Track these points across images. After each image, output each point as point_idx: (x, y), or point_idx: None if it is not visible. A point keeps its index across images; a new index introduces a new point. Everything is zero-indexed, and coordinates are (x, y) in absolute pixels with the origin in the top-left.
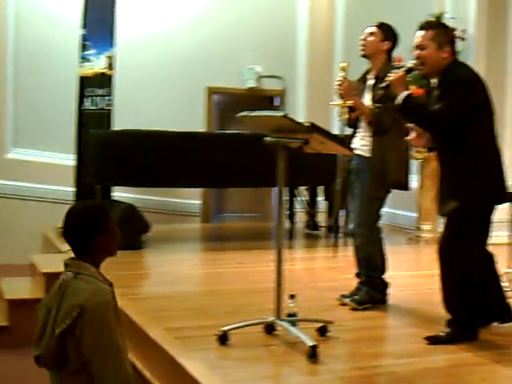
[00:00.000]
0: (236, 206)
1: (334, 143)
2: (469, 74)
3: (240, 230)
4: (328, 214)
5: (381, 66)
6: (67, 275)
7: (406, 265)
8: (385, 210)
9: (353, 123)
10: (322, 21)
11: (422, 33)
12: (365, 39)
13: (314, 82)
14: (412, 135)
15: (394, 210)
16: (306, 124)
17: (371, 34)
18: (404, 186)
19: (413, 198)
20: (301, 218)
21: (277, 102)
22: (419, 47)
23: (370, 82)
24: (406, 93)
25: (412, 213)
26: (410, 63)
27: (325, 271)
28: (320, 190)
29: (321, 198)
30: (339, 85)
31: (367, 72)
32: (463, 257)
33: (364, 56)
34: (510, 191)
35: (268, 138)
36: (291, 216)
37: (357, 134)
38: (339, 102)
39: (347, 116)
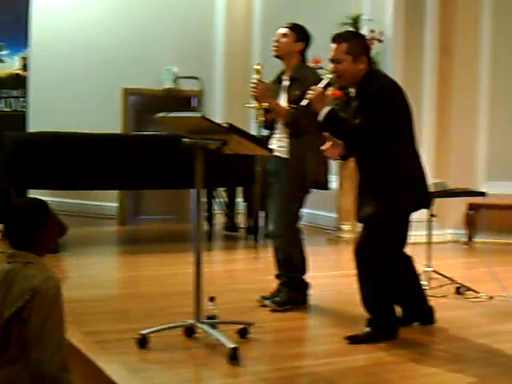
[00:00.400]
0: (153, 209)
1: (253, 144)
2: (388, 85)
3: (157, 233)
4: (247, 216)
5: (295, 66)
6: (15, 265)
7: (327, 265)
8: (305, 210)
9: (269, 125)
10: (239, 21)
11: (335, 46)
12: (277, 40)
13: (232, 82)
14: (327, 145)
15: (313, 210)
16: (224, 125)
17: (283, 35)
18: (323, 185)
19: (332, 199)
20: (220, 219)
21: (194, 102)
22: (335, 61)
23: (285, 83)
24: (326, 109)
25: (332, 213)
26: (328, 77)
27: (244, 273)
28: (239, 191)
29: (240, 200)
30: (254, 87)
31: (282, 73)
32: (378, 260)
33: (277, 57)
34: (432, 192)
35: (186, 139)
36: (210, 218)
37: (274, 136)
38: (254, 104)
39: (263, 118)
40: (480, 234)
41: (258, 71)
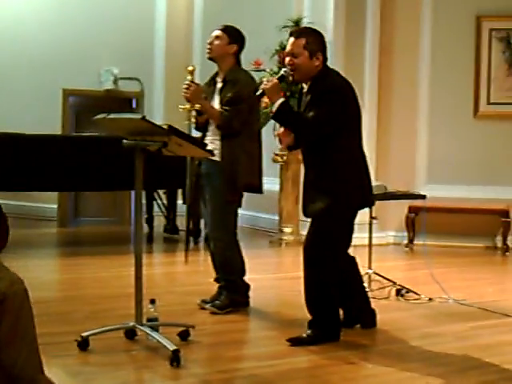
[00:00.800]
0: (93, 210)
1: (193, 146)
2: (340, 82)
3: (98, 235)
4: (187, 218)
5: (228, 69)
6: None
7: (268, 268)
8: (246, 212)
9: (202, 126)
10: (179, 23)
11: (292, 40)
12: (211, 43)
13: (172, 84)
14: (280, 130)
15: (255, 213)
16: (164, 126)
17: (217, 37)
18: (257, 188)
19: (274, 201)
20: (160, 221)
21: (134, 104)
22: (291, 54)
23: (219, 85)
24: (280, 100)
25: (273, 216)
26: (283, 71)
27: (185, 275)
28: (180, 193)
29: (180, 202)
30: (186, 88)
31: (216, 75)
32: (326, 258)
33: (211, 59)
34: (373, 194)
35: (126, 141)
36: (150, 220)
37: (206, 138)
38: (187, 105)
39: (194, 120)
40: (420, 236)
41: (190, 72)
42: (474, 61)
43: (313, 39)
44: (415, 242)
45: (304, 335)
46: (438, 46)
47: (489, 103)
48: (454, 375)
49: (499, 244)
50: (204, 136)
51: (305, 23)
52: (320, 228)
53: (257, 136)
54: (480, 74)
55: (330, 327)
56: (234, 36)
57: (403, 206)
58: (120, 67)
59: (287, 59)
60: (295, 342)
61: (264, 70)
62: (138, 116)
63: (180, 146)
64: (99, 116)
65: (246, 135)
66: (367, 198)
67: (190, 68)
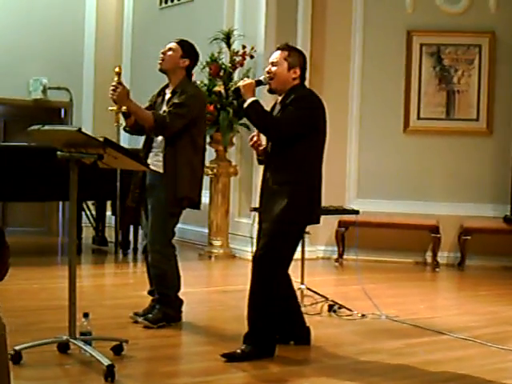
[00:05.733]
0: (21, 220)
1: (129, 159)
2: (311, 95)
3: (24, 245)
4: (116, 229)
5: (178, 82)
6: None
7: (199, 281)
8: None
9: (134, 129)
10: (109, 33)
11: (278, 52)
12: (164, 53)
13: (102, 93)
14: (255, 135)
15: (184, 225)
16: (100, 139)
17: (170, 49)
18: (196, 204)
19: (204, 214)
20: (88, 233)
21: (63, 114)
22: (273, 64)
23: (167, 96)
24: (252, 98)
25: (203, 228)
26: (262, 77)
27: (115, 288)
28: (108, 204)
29: (109, 213)
30: (113, 90)
31: (165, 87)
32: (276, 268)
33: (161, 71)
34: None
35: (61, 153)
36: (78, 231)
37: (152, 150)
38: (115, 107)
39: (121, 122)
40: (351, 251)
41: (117, 74)
42: (404, 76)
43: (295, 54)
44: (345, 257)
45: (238, 351)
46: (368, 60)
47: (419, 118)
48: None
49: (429, 259)
50: (150, 148)
51: (235, 35)
52: (269, 241)
53: (201, 150)
54: (410, 88)
55: (265, 343)
56: (187, 50)
57: (333, 220)
58: (49, 77)
59: (268, 67)
60: (229, 357)
61: (195, 82)
62: (74, 128)
63: (115, 158)
64: (33, 127)
65: (191, 148)
66: (317, 215)
67: (117, 69)
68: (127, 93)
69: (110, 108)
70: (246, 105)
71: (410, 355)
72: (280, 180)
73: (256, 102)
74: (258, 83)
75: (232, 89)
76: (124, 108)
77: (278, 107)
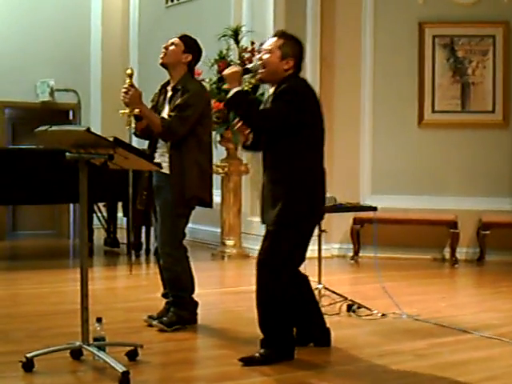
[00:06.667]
0: (31, 223)
1: (140, 159)
2: (303, 86)
3: (35, 248)
4: (127, 231)
5: (180, 78)
6: None
7: (212, 282)
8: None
9: (144, 133)
10: (115, 34)
11: (273, 39)
12: (166, 48)
13: (109, 94)
14: (237, 123)
15: (196, 225)
16: (110, 139)
17: (173, 43)
18: (207, 202)
19: (216, 213)
20: (100, 234)
21: (71, 116)
22: (266, 51)
23: (169, 94)
24: (237, 88)
25: (214, 228)
26: (251, 64)
27: (128, 291)
28: (119, 205)
29: (120, 214)
30: (125, 92)
31: (166, 84)
32: (280, 273)
33: (162, 65)
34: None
35: (70, 154)
36: (90, 233)
37: (157, 151)
38: (126, 110)
39: (134, 125)
40: (366, 248)
41: (129, 76)
42: (417, 68)
43: (290, 43)
44: (360, 254)
45: (256, 354)
46: (380, 54)
47: (433, 111)
48: None
49: (447, 256)
50: (155, 148)
51: (244, 32)
52: (273, 242)
53: (207, 148)
54: (424, 81)
55: (283, 346)
56: (190, 46)
57: (347, 217)
58: (56, 79)
59: (260, 54)
60: (247, 361)
61: (203, 80)
62: (83, 128)
63: (126, 158)
64: (40, 128)
65: (196, 147)
66: (318, 210)
67: (129, 71)
68: (140, 95)
69: (121, 111)
70: (229, 95)
71: (435, 356)
72: (274, 178)
73: (241, 93)
74: (246, 71)
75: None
76: (137, 111)
77: (269, 99)
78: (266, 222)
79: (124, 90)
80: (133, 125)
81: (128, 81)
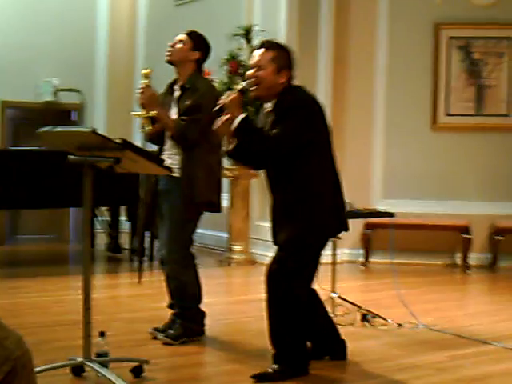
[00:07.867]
0: (31, 227)
1: (149, 162)
2: (306, 97)
3: (36, 254)
4: (131, 236)
5: (188, 76)
6: None
7: (220, 290)
8: None
9: (156, 137)
10: (122, 33)
11: (261, 51)
12: (173, 45)
13: (114, 95)
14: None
15: (203, 230)
16: (118, 140)
17: (180, 41)
18: (216, 207)
19: (223, 218)
20: (102, 239)
21: (74, 116)
22: (257, 67)
23: (177, 93)
24: (241, 116)
25: (222, 233)
26: (243, 83)
27: (132, 300)
28: (123, 210)
29: (124, 219)
30: (141, 93)
31: (173, 83)
32: (292, 288)
33: (170, 63)
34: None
35: (73, 157)
36: (91, 238)
37: (164, 153)
38: (141, 112)
39: (150, 128)
40: (377, 254)
41: (146, 75)
42: (431, 70)
43: (282, 54)
44: (371, 260)
45: (270, 370)
46: (394, 55)
47: (447, 114)
48: None
49: (459, 261)
50: (161, 150)
51: (255, 31)
52: (286, 257)
53: (217, 149)
54: (438, 84)
55: (297, 361)
56: (198, 43)
57: (358, 222)
58: (60, 78)
59: (251, 71)
60: (260, 378)
61: (212, 80)
62: (88, 129)
63: (135, 162)
64: (43, 129)
65: (205, 148)
66: (343, 222)
67: (146, 71)
68: (156, 96)
69: (135, 113)
70: (234, 125)
71: (457, 369)
72: (291, 197)
73: (245, 120)
74: (242, 93)
75: (215, 109)
76: (153, 113)
77: (270, 117)
78: (278, 243)
79: (140, 90)
80: (149, 127)
81: (145, 81)
